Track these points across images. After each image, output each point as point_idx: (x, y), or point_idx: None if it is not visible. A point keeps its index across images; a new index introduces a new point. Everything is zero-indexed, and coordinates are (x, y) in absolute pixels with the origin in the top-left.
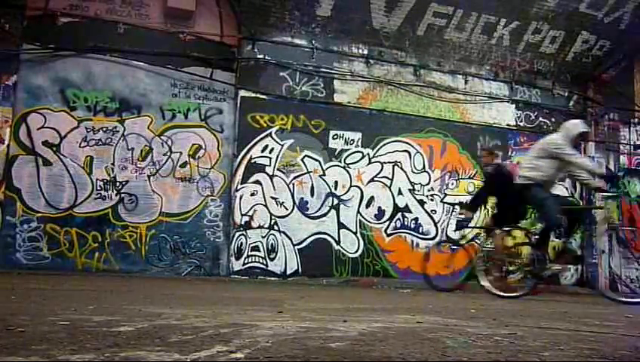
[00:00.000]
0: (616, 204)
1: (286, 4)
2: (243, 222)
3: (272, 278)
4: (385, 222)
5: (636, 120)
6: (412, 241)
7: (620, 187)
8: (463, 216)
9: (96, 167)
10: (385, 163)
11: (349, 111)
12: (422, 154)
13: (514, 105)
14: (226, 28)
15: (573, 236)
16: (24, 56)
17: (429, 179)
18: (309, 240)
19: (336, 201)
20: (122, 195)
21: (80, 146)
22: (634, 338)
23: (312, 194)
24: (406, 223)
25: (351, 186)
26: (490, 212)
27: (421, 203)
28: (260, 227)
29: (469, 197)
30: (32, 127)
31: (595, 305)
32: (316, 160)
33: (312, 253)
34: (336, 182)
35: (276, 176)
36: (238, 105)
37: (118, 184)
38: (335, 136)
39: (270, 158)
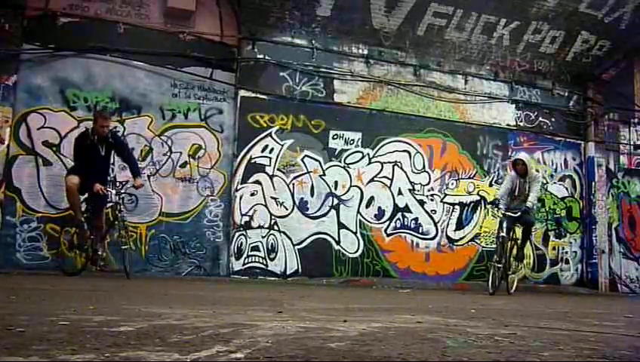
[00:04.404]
0: (616, 204)
1: (286, 4)
2: (243, 222)
3: (272, 278)
4: (385, 222)
5: (636, 120)
6: (412, 241)
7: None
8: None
9: None
10: (385, 163)
11: (349, 112)
12: (422, 154)
13: (514, 105)
14: (226, 28)
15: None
16: (24, 56)
17: (429, 179)
18: (309, 240)
19: (336, 201)
20: (122, 195)
21: None
22: (634, 338)
23: (312, 194)
24: (406, 223)
25: (351, 186)
26: None
27: (421, 203)
28: (260, 227)
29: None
30: (32, 127)
31: (595, 305)
32: (316, 160)
33: (312, 253)
34: (336, 182)
35: (276, 176)
36: (238, 105)
37: (118, 184)
38: (335, 136)
39: (270, 158)
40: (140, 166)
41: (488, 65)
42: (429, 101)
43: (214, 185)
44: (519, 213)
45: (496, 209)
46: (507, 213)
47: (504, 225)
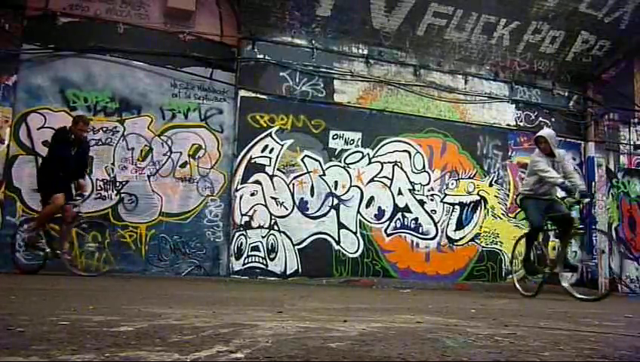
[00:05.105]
0: (616, 204)
1: (286, 4)
2: (243, 222)
3: (272, 278)
4: (385, 222)
5: (636, 120)
6: (412, 241)
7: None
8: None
9: (96, 167)
10: (385, 163)
11: (349, 111)
12: (422, 154)
13: (514, 105)
14: (226, 28)
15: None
16: (24, 56)
17: (429, 179)
18: (309, 240)
19: (336, 201)
20: (122, 195)
21: None
22: (634, 338)
23: (312, 194)
24: (406, 223)
25: (351, 186)
26: None
27: (421, 203)
28: (259, 227)
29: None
30: (32, 127)
31: (595, 304)
32: (316, 160)
33: (312, 253)
34: (336, 182)
35: (276, 176)
36: (238, 105)
37: (118, 184)
38: (335, 136)
39: (270, 158)
40: (140, 166)
41: (488, 65)
42: (429, 101)
43: (214, 185)
44: (586, 200)
45: (572, 191)
46: (580, 199)
47: (573, 210)
